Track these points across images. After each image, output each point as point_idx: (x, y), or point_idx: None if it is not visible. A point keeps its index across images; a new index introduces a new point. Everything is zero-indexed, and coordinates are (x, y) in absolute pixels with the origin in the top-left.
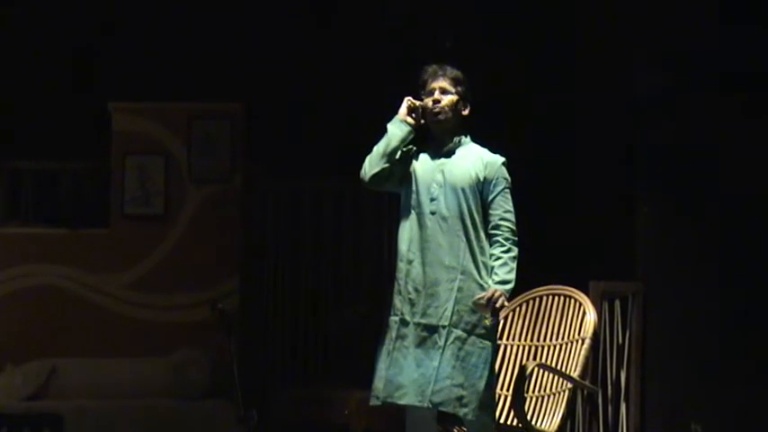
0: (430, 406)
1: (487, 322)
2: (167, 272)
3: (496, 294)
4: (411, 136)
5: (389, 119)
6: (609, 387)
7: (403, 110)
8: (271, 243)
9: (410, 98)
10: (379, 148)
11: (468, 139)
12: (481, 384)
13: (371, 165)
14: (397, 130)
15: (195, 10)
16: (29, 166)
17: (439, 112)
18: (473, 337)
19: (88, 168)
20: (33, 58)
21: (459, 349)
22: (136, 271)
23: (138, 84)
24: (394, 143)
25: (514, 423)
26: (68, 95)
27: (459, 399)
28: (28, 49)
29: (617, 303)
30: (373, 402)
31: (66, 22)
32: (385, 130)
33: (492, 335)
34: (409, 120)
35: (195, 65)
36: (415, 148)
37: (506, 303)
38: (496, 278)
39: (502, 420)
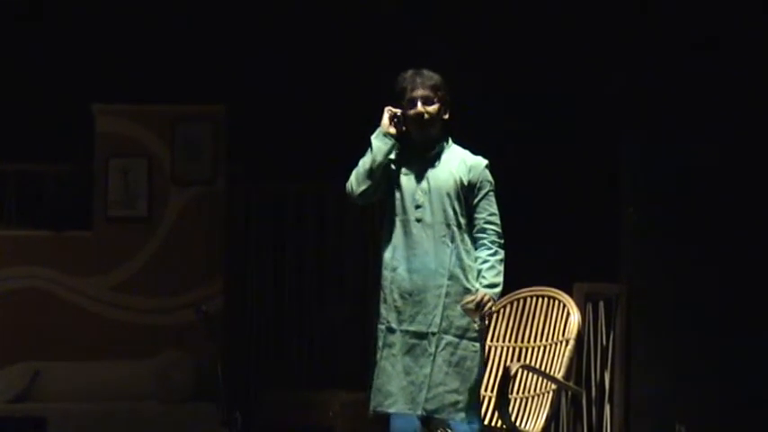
0: (423, 413)
1: (476, 326)
2: (151, 274)
3: (485, 298)
4: (395, 147)
5: (373, 119)
6: (593, 388)
7: (385, 121)
8: (254, 245)
9: (390, 107)
10: (365, 165)
11: (450, 142)
12: (477, 388)
13: (358, 182)
14: (381, 143)
15: (179, 12)
16: (12, 168)
17: (424, 124)
18: (465, 341)
19: (71, 170)
20: (15, 59)
21: (452, 354)
22: (119, 273)
23: (121, 86)
24: (379, 158)
25: (499, 424)
26: (52, 97)
27: (455, 404)
28: (10, 51)
29: (601, 305)
30: (369, 413)
31: (52, 22)
32: (369, 142)
33: (482, 337)
34: (392, 130)
35: (179, 67)
36: (395, 156)
37: (494, 308)
38: (484, 281)
39: (486, 422)
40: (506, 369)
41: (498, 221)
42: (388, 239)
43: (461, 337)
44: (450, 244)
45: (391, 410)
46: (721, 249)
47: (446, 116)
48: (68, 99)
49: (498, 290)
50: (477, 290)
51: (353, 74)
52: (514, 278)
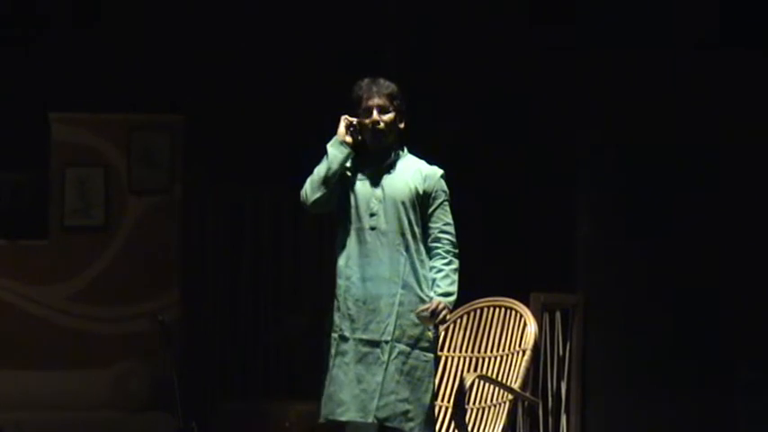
0: (375, 422)
1: (430, 334)
2: (107, 283)
3: (440, 306)
4: (351, 156)
5: (329, 128)
6: (549, 399)
7: (341, 129)
8: (211, 254)
9: (347, 116)
10: (320, 173)
11: (406, 151)
12: (427, 398)
13: (313, 190)
14: (337, 152)
15: (136, 20)
16: None
17: (380, 132)
18: (417, 351)
19: (27, 179)
20: None
21: (404, 363)
22: (76, 282)
23: (77, 94)
24: (335, 167)
25: None
26: (7, 105)
27: (406, 413)
28: None
29: (558, 315)
30: (320, 421)
31: (8, 31)
32: (324, 150)
33: (434, 347)
34: (348, 139)
35: (135, 75)
36: (350, 164)
37: (449, 316)
38: (439, 290)
39: None
40: (462, 379)
41: (453, 231)
42: (343, 247)
43: (413, 346)
44: (404, 253)
45: (343, 419)
46: (677, 261)
47: (401, 125)
48: (24, 107)
49: (453, 299)
50: (431, 299)
51: (309, 81)
52: (471, 288)
